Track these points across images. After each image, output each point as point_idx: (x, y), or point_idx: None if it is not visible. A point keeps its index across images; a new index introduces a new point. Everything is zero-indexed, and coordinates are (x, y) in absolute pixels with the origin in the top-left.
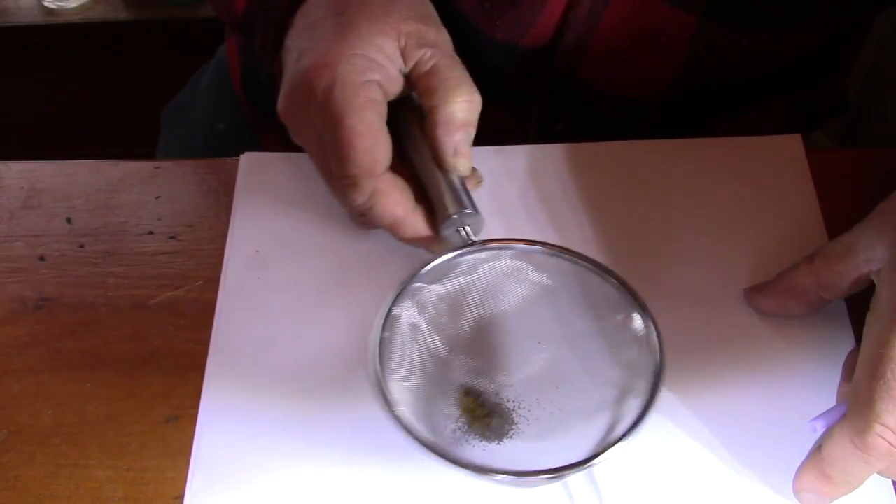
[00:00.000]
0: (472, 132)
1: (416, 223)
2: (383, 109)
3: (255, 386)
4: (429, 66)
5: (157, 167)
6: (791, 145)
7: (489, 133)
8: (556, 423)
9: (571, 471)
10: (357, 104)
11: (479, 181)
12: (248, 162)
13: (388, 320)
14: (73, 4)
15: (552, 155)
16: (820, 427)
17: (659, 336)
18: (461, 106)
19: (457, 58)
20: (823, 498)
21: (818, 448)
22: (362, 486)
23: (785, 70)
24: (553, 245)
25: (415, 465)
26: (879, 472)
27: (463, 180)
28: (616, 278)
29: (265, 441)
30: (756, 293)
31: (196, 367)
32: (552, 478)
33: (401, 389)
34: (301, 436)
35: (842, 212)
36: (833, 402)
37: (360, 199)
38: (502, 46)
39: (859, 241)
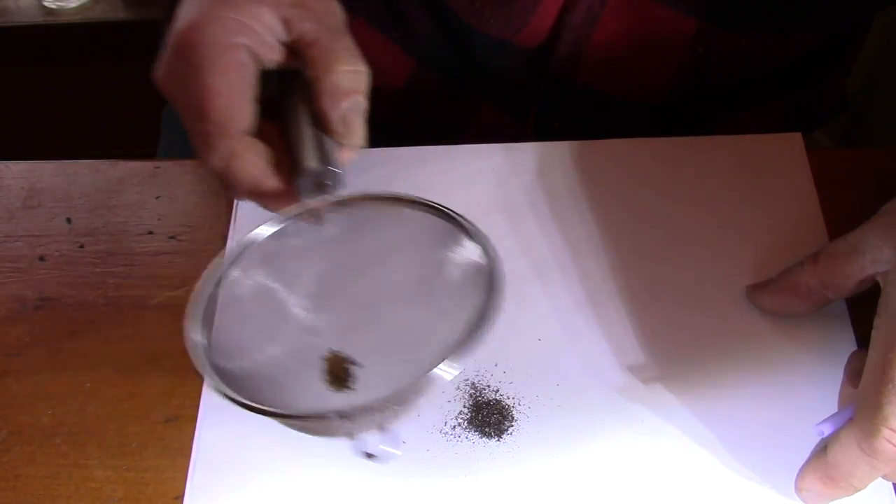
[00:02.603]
0: (361, 102)
1: (271, 182)
2: (250, 74)
3: None
4: (312, 37)
5: (157, 167)
6: (791, 145)
7: (487, 132)
8: (402, 367)
9: (412, 391)
10: (220, 64)
11: (358, 146)
12: None
13: (226, 281)
14: (73, 4)
15: (554, 152)
16: (827, 430)
17: (490, 255)
18: (345, 75)
19: (344, 30)
20: (825, 498)
21: (823, 450)
22: (362, 487)
23: (784, 71)
24: (405, 197)
25: (415, 464)
26: (884, 477)
27: (332, 142)
28: (461, 222)
29: (265, 441)
30: (759, 291)
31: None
32: (385, 407)
33: (250, 349)
34: (301, 436)
35: (842, 212)
36: (834, 402)
37: (215, 158)
38: (497, 44)
39: (865, 241)
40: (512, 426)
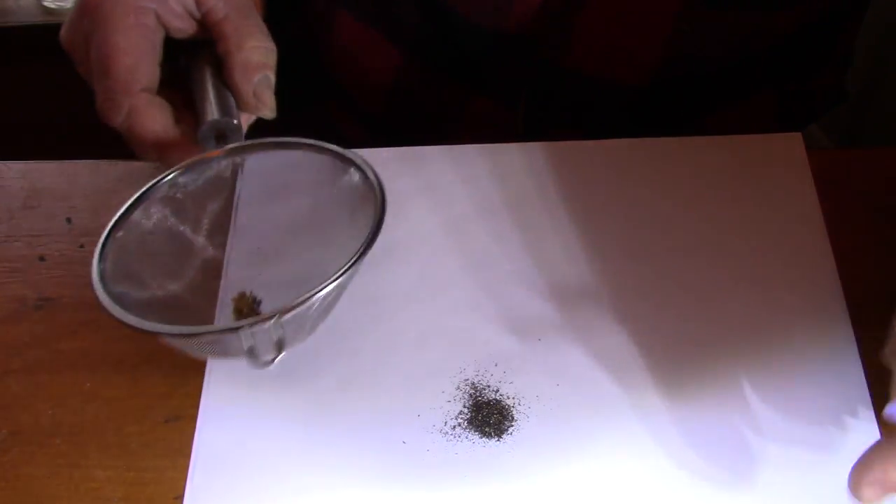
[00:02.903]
0: (271, 77)
1: (175, 137)
2: (155, 37)
3: (255, 386)
4: (222, 14)
5: (157, 167)
6: (791, 144)
7: (478, 125)
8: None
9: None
10: (126, 24)
11: (269, 117)
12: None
13: (128, 223)
14: (72, 4)
15: (555, 153)
16: None
17: (372, 179)
18: (256, 51)
19: (253, 9)
20: (889, 492)
21: (891, 438)
22: (362, 487)
23: (773, 56)
24: (294, 142)
25: (415, 464)
26: None
27: (232, 99)
28: (345, 154)
29: (265, 441)
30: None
31: (196, 367)
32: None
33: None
34: (301, 436)
35: (842, 212)
36: (835, 403)
37: (118, 117)
38: (484, 32)
39: None
40: (512, 426)
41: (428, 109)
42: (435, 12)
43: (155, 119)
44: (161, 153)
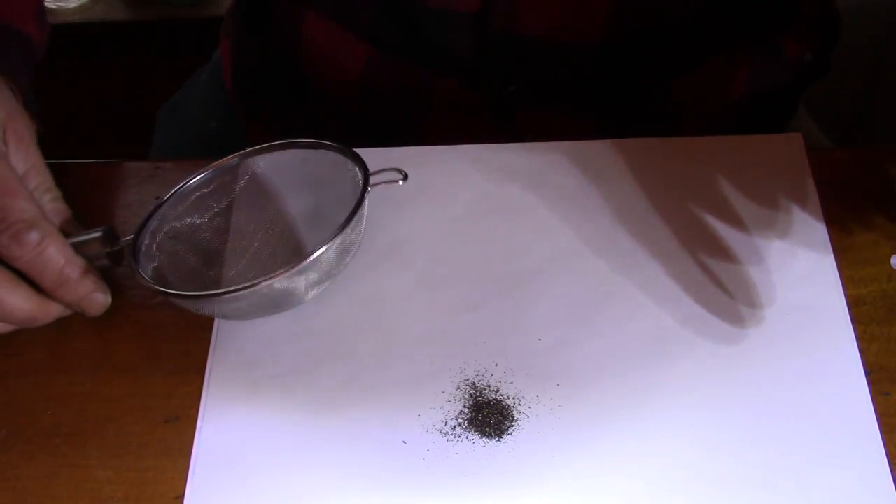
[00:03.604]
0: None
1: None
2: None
3: (256, 386)
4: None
5: (157, 167)
6: (791, 145)
7: (443, 107)
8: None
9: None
10: None
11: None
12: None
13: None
14: (72, 4)
15: (554, 153)
16: None
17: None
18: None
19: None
20: None
21: None
22: (362, 487)
23: (728, 15)
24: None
25: (415, 464)
26: None
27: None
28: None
29: (265, 441)
30: None
31: (196, 367)
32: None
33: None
34: (301, 436)
35: (842, 212)
36: (835, 400)
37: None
38: (439, 14)
39: None
40: (512, 426)
41: (399, 100)
42: (389, 1)
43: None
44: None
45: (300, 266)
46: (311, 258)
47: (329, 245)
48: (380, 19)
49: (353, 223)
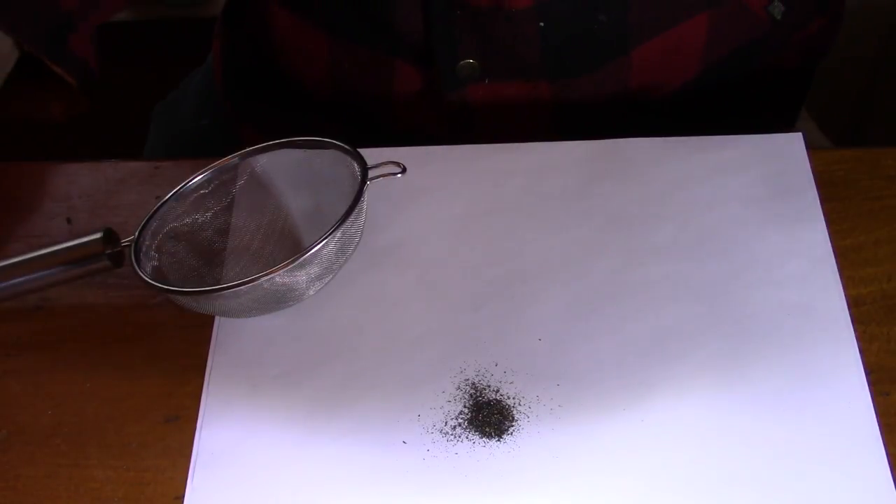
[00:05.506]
0: None
1: None
2: None
3: (256, 386)
4: None
5: (157, 167)
6: (791, 145)
7: (408, 93)
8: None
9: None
10: None
11: None
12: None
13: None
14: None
15: (554, 152)
16: None
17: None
18: None
19: None
20: None
21: None
22: (362, 487)
23: None
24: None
25: (415, 464)
26: None
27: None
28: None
29: (265, 441)
30: None
31: (196, 367)
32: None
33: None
34: (301, 436)
35: (842, 212)
36: (835, 400)
37: None
38: None
39: None
40: (512, 426)
41: (366, 89)
42: None
43: None
44: None
45: (301, 259)
46: (312, 251)
47: (329, 237)
48: (331, 4)
49: (353, 216)
